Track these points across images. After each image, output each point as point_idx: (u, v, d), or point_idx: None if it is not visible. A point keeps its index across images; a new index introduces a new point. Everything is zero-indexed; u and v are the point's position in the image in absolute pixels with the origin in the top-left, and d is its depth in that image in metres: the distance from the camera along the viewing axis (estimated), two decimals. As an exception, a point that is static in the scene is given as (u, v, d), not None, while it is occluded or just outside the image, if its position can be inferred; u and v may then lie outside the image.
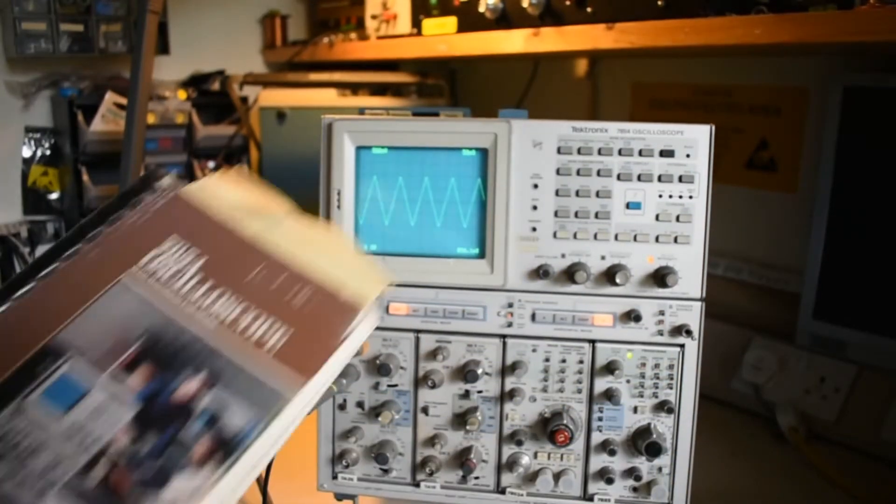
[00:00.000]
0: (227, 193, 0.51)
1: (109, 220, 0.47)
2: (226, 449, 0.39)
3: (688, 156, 0.69)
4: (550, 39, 1.04)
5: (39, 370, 0.41)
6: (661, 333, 0.71)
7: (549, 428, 0.72)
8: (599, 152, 0.70)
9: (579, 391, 0.73)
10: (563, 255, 0.72)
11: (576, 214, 0.71)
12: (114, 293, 0.45)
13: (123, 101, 1.34)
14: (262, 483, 0.74)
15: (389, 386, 0.76)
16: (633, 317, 0.71)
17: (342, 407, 0.77)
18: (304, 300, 0.45)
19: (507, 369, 0.74)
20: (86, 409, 0.40)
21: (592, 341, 0.72)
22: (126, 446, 0.40)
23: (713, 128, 0.69)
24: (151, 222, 0.48)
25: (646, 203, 0.70)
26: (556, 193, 0.71)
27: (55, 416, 0.40)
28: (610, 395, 0.72)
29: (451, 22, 1.21)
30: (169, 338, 0.43)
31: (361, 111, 0.78)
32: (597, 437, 0.73)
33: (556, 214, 0.71)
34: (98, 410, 0.41)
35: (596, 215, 0.71)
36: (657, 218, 0.70)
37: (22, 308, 0.44)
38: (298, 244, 0.47)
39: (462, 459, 0.74)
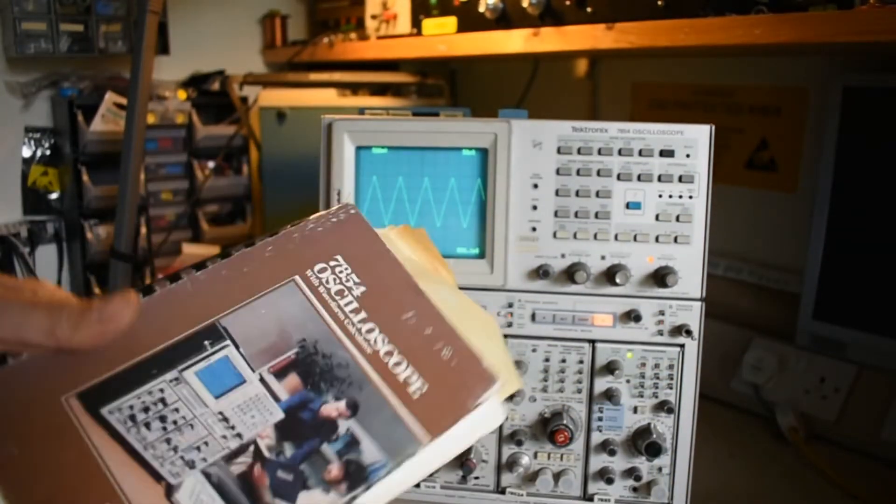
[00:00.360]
0: (404, 242, 0.52)
1: (292, 221, 0.48)
2: (355, 478, 0.40)
3: (688, 156, 0.69)
4: (550, 39, 1.04)
5: (204, 346, 0.42)
6: (661, 333, 0.71)
7: (549, 428, 0.72)
8: (599, 152, 0.70)
9: (579, 391, 0.73)
10: (563, 255, 0.72)
11: (576, 214, 0.71)
12: (283, 291, 0.45)
13: (123, 101, 1.34)
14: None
15: (389, 386, 0.76)
16: (633, 317, 0.71)
17: (342, 407, 0.77)
18: (449, 355, 0.44)
19: (507, 369, 0.74)
20: (236, 400, 0.41)
21: (592, 341, 0.72)
22: (269, 447, 0.40)
23: (713, 128, 0.69)
24: (327, 233, 0.48)
25: (646, 203, 0.70)
26: (556, 193, 0.71)
27: (208, 397, 0.41)
28: (610, 395, 0.72)
29: (451, 22, 1.21)
30: (325, 351, 0.43)
31: (361, 111, 0.78)
32: (597, 437, 0.73)
33: (556, 214, 0.71)
34: (248, 405, 0.41)
35: (596, 215, 0.71)
36: (657, 218, 0.70)
37: (198, 282, 0.45)
38: (455, 311, 0.47)
39: (462, 459, 0.74)
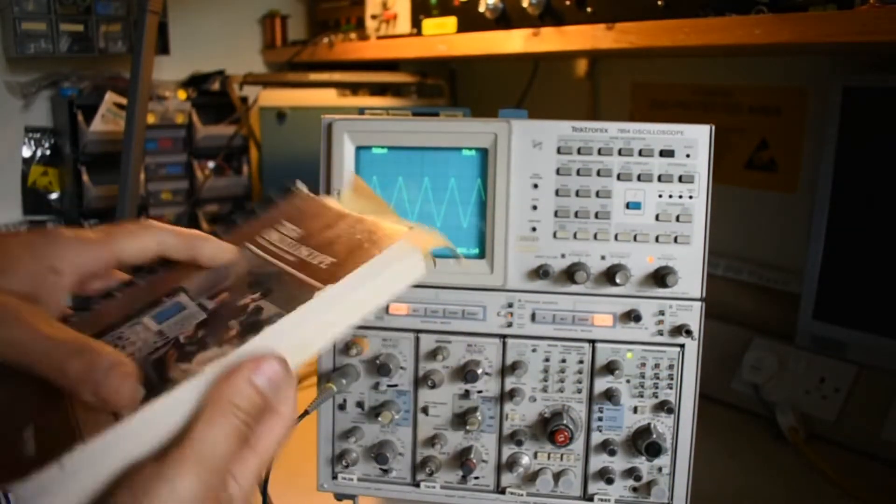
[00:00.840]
0: (351, 202, 0.59)
1: (244, 214, 0.57)
2: (247, 330, 0.44)
3: (688, 156, 0.69)
4: (550, 39, 1.04)
5: (162, 300, 0.50)
6: (661, 333, 0.71)
7: (549, 428, 0.72)
8: (599, 152, 0.70)
9: (579, 391, 0.73)
10: (563, 255, 0.72)
11: (576, 214, 0.71)
12: (236, 256, 0.53)
13: (123, 101, 1.34)
14: (262, 483, 0.74)
15: (389, 386, 0.76)
16: (633, 317, 0.71)
17: (342, 407, 0.77)
18: (361, 236, 0.50)
19: (507, 369, 0.74)
20: (174, 321, 0.48)
21: (592, 341, 0.72)
22: (186, 337, 0.46)
23: (713, 128, 0.69)
24: (273, 211, 0.57)
25: (646, 203, 0.70)
26: (556, 193, 0.71)
27: (153, 324, 0.48)
28: (610, 395, 0.72)
29: (451, 22, 1.21)
30: (256, 272, 0.50)
31: (361, 111, 0.78)
32: (597, 437, 0.73)
33: (556, 214, 0.71)
34: (180, 320, 0.48)
35: (596, 215, 0.71)
36: (657, 218, 0.70)
37: (172, 269, 0.53)
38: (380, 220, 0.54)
39: (462, 459, 0.74)
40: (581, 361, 0.73)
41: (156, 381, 0.43)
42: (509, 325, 0.73)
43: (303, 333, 0.45)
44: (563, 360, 0.73)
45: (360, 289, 0.47)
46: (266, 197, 0.59)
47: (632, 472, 0.73)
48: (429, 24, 1.26)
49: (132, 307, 0.50)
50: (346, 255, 0.48)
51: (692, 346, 0.71)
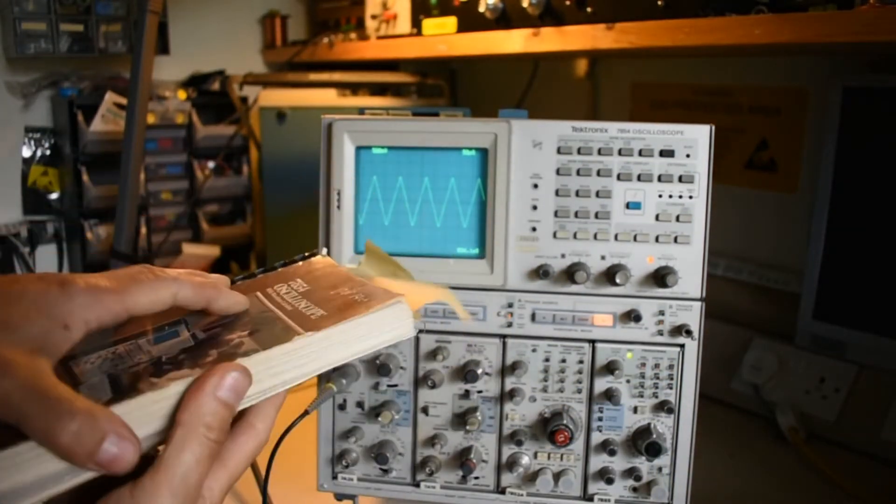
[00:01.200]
0: (367, 267, 0.63)
1: (266, 270, 0.61)
2: (222, 360, 0.46)
3: (688, 156, 0.69)
4: (550, 39, 1.04)
5: (164, 327, 0.52)
6: (661, 333, 0.71)
7: (549, 428, 0.72)
8: (599, 152, 0.70)
9: (579, 391, 0.73)
10: (563, 255, 0.72)
11: (576, 214, 0.71)
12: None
13: (123, 101, 1.34)
14: (262, 483, 0.74)
15: (389, 386, 0.76)
16: (633, 317, 0.71)
17: (342, 407, 0.77)
18: (359, 298, 0.52)
19: (507, 369, 0.74)
20: (166, 345, 0.50)
21: (592, 341, 0.72)
22: (167, 357, 0.48)
23: (713, 128, 0.69)
24: (289, 269, 0.60)
25: (646, 203, 0.70)
26: (556, 193, 0.71)
27: (149, 347, 0.50)
28: (610, 395, 0.72)
29: (451, 22, 1.21)
30: (253, 314, 0.53)
31: (361, 111, 0.78)
32: (597, 437, 0.73)
33: (556, 214, 0.71)
34: (172, 345, 0.49)
35: (596, 215, 0.71)
36: (657, 218, 0.70)
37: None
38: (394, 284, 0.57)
39: (462, 459, 0.74)
40: (581, 361, 0.73)
41: (125, 388, 0.44)
42: (509, 325, 0.73)
43: (274, 369, 0.47)
44: (563, 360, 0.73)
45: (340, 340, 0.49)
46: (292, 258, 0.62)
47: (632, 472, 0.73)
48: (429, 24, 1.26)
49: (135, 330, 0.51)
50: (336, 311, 0.50)
51: (692, 346, 0.71)
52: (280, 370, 0.47)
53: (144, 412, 0.42)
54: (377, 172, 0.74)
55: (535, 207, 0.72)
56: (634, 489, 0.73)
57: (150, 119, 1.40)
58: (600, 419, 0.73)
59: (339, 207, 0.74)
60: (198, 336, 0.50)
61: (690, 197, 0.70)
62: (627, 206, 0.70)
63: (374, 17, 1.39)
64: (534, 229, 0.72)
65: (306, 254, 0.63)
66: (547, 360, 0.73)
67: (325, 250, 0.63)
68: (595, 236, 0.71)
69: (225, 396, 0.44)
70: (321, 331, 0.48)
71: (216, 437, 0.43)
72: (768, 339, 1.14)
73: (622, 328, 0.72)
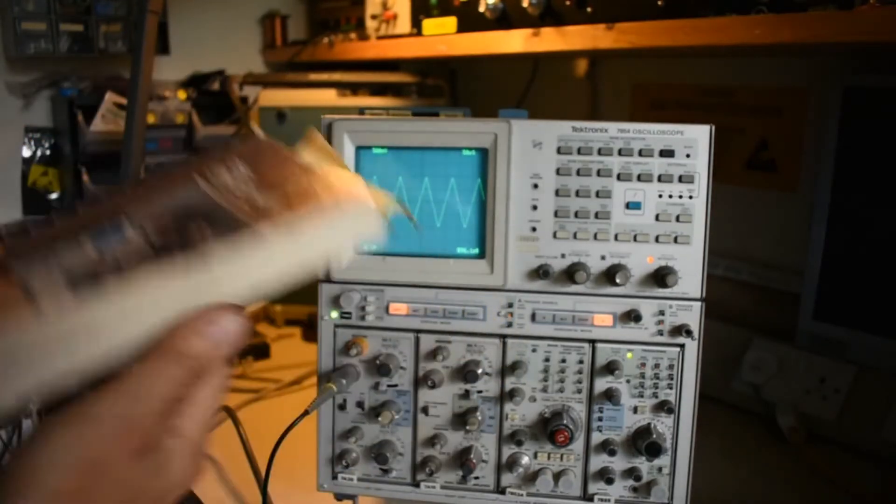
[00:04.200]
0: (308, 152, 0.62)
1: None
2: (189, 258, 0.46)
3: (688, 156, 0.69)
4: (550, 39, 1.03)
5: (103, 225, 0.50)
6: (661, 333, 0.71)
7: (549, 428, 0.72)
8: (599, 152, 0.70)
9: (579, 391, 0.73)
10: (563, 255, 0.72)
11: (576, 214, 0.71)
12: (182, 185, 0.53)
13: (123, 101, 1.34)
14: (262, 483, 0.74)
15: (389, 386, 0.76)
16: (633, 317, 0.71)
17: (342, 407, 0.77)
18: (316, 188, 0.52)
19: (507, 369, 0.74)
20: (112, 243, 0.49)
21: (592, 341, 0.72)
22: (122, 256, 0.47)
23: (713, 128, 0.69)
24: (227, 149, 0.58)
25: (646, 203, 0.70)
26: (556, 193, 0.71)
27: (91, 246, 0.49)
28: (610, 395, 0.72)
29: (451, 22, 1.21)
30: (203, 209, 0.51)
31: (361, 111, 0.78)
32: (597, 437, 0.73)
33: (556, 214, 0.71)
34: (119, 243, 0.49)
35: (596, 215, 0.71)
36: (657, 218, 0.70)
37: (124, 192, 0.54)
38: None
39: (462, 459, 0.74)
40: (581, 361, 0.73)
41: (88, 286, 0.44)
42: (509, 325, 0.73)
43: (242, 268, 0.47)
44: (563, 360, 0.73)
45: (309, 234, 0.49)
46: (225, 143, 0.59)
47: (632, 472, 0.73)
48: (429, 24, 1.26)
49: (71, 230, 0.50)
50: (299, 202, 0.50)
51: (692, 346, 0.71)
52: (250, 270, 0.47)
53: (114, 307, 0.43)
54: (377, 172, 0.74)
55: (535, 207, 0.72)
56: (634, 489, 0.73)
57: (150, 119, 1.40)
58: (600, 419, 0.73)
59: (339, 207, 0.74)
60: (146, 231, 0.49)
61: (690, 197, 0.70)
62: (627, 206, 0.71)
63: (374, 17, 1.39)
64: (534, 229, 0.72)
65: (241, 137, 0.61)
66: (547, 360, 0.73)
67: (258, 129, 0.62)
68: (595, 236, 0.71)
69: (215, 336, 0.43)
70: (286, 224, 0.48)
71: (191, 368, 0.42)
72: (768, 339, 1.13)
73: (622, 328, 0.72)
